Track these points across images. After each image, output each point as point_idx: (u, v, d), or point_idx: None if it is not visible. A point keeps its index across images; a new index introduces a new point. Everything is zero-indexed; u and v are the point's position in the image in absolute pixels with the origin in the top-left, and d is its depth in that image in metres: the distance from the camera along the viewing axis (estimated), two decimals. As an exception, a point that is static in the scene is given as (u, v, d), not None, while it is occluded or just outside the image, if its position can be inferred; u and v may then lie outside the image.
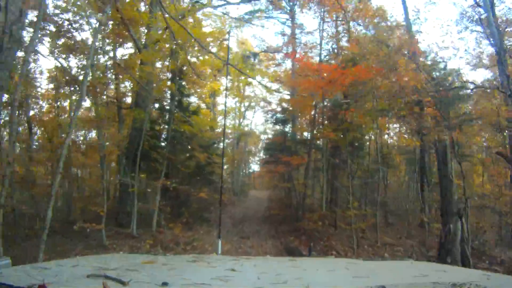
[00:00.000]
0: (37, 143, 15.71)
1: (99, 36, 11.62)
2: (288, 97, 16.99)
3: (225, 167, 24.28)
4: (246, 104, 25.20)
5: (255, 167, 34.16)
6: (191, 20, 11.93)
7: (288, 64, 20.01)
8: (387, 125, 14.72)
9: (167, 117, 13.50)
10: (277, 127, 19.02)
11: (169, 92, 12.89)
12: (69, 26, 11.75)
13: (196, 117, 13.36)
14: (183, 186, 12.59)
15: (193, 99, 16.47)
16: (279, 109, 17.32)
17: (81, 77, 13.11)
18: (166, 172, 12.30)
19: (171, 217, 11.69)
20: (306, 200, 14.31)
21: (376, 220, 11.03)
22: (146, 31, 12.41)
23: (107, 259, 1.97)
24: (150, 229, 10.51)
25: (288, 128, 17.37)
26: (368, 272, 1.72)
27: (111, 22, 11.76)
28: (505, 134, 11.58)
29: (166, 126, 13.10)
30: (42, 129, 14.90)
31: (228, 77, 19.46)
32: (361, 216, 11.87)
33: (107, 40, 12.78)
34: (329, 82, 11.28)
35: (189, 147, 14.27)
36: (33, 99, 14.95)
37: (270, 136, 22.10)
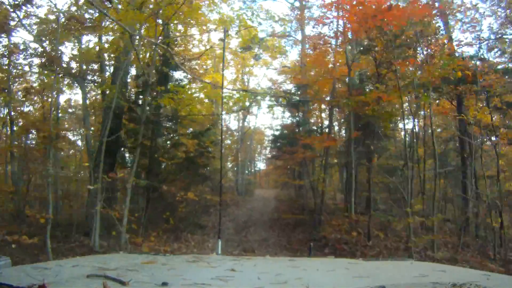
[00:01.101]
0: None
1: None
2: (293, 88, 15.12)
3: (228, 164, 23.56)
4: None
5: (261, 165, 33.89)
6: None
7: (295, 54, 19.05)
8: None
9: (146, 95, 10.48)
10: (286, 118, 17.50)
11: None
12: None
13: (182, 89, 10.36)
14: (167, 183, 10.26)
15: (194, 94, 15.33)
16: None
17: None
18: (147, 166, 10.37)
19: (152, 224, 9.75)
20: (324, 201, 12.23)
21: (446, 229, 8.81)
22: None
23: (107, 259, 1.98)
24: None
25: (297, 119, 15.44)
26: (368, 272, 1.73)
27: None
28: None
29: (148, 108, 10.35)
30: (22, 124, 14.22)
31: (232, 68, 18.23)
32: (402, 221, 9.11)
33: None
34: (377, 14, 8.02)
35: (173, 132, 11.47)
36: (27, 94, 14.55)
37: (278, 126, 20.20)
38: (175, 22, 10.31)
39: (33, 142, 14.54)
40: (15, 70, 12.75)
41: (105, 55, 12.19)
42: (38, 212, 8.60)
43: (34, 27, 11.85)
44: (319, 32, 12.66)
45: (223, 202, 15.19)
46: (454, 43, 10.86)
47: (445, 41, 10.31)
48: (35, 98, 15.26)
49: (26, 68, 12.88)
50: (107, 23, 10.67)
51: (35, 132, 13.12)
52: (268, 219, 14.38)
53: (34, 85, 14.25)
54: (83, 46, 12.72)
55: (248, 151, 25.60)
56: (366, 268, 1.94)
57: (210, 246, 9.36)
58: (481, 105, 9.37)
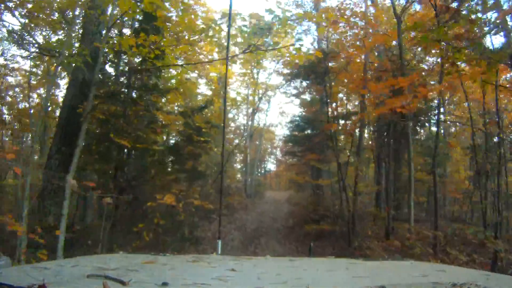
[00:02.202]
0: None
1: None
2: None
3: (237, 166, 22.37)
4: (260, 92, 21.43)
5: (271, 166, 33.61)
6: None
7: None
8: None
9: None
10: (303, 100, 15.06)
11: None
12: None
13: (160, 38, 7.33)
14: (141, 182, 8.08)
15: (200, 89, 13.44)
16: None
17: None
18: (117, 158, 8.03)
19: (121, 241, 7.53)
20: (356, 205, 9.78)
21: None
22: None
23: (107, 259, 1.98)
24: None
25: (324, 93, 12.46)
26: (368, 272, 1.74)
27: None
28: None
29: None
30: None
31: (240, 61, 17.23)
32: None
33: None
34: None
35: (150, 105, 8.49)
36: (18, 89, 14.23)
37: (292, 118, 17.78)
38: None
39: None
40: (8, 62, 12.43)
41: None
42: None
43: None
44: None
45: (230, 205, 14.08)
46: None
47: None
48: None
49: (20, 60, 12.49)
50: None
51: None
52: (282, 227, 12.40)
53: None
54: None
55: (258, 150, 24.59)
56: (366, 268, 1.94)
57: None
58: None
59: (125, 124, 7.81)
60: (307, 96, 15.79)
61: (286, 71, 14.77)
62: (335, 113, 11.73)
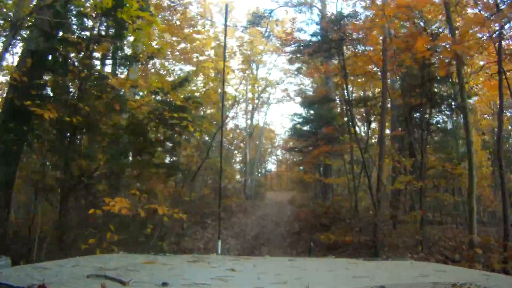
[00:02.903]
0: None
1: None
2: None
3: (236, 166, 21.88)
4: (260, 88, 21.00)
5: (271, 166, 33.42)
6: None
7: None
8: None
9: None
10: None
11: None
12: None
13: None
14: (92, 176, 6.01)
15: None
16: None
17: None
18: (70, 147, 5.90)
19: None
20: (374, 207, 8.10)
21: None
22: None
23: (107, 259, 1.98)
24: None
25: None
26: (368, 272, 1.74)
27: None
28: None
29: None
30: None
31: (240, 59, 16.50)
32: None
33: None
34: None
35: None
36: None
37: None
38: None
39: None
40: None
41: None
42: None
43: None
44: None
45: (227, 208, 13.45)
46: None
47: None
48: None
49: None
50: None
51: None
52: (287, 233, 11.03)
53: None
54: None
55: (258, 150, 24.09)
56: (366, 268, 1.95)
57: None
58: None
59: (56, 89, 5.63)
60: (311, 91, 15.41)
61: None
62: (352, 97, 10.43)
